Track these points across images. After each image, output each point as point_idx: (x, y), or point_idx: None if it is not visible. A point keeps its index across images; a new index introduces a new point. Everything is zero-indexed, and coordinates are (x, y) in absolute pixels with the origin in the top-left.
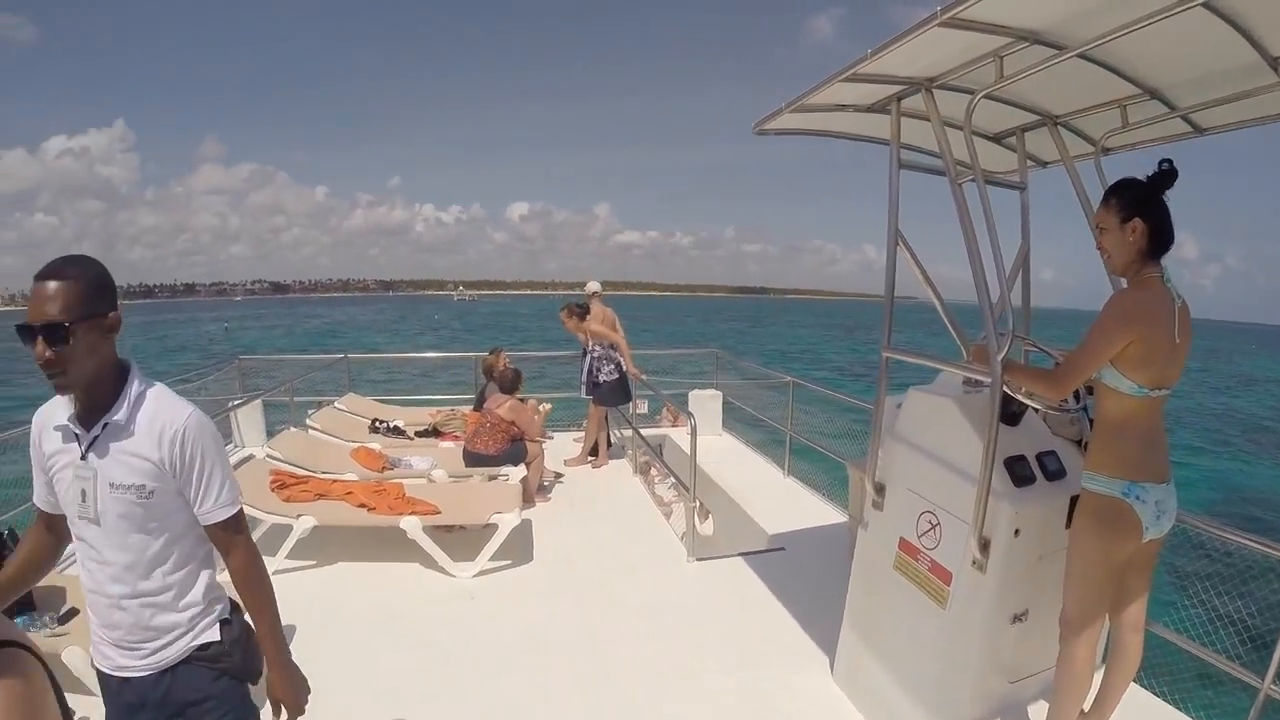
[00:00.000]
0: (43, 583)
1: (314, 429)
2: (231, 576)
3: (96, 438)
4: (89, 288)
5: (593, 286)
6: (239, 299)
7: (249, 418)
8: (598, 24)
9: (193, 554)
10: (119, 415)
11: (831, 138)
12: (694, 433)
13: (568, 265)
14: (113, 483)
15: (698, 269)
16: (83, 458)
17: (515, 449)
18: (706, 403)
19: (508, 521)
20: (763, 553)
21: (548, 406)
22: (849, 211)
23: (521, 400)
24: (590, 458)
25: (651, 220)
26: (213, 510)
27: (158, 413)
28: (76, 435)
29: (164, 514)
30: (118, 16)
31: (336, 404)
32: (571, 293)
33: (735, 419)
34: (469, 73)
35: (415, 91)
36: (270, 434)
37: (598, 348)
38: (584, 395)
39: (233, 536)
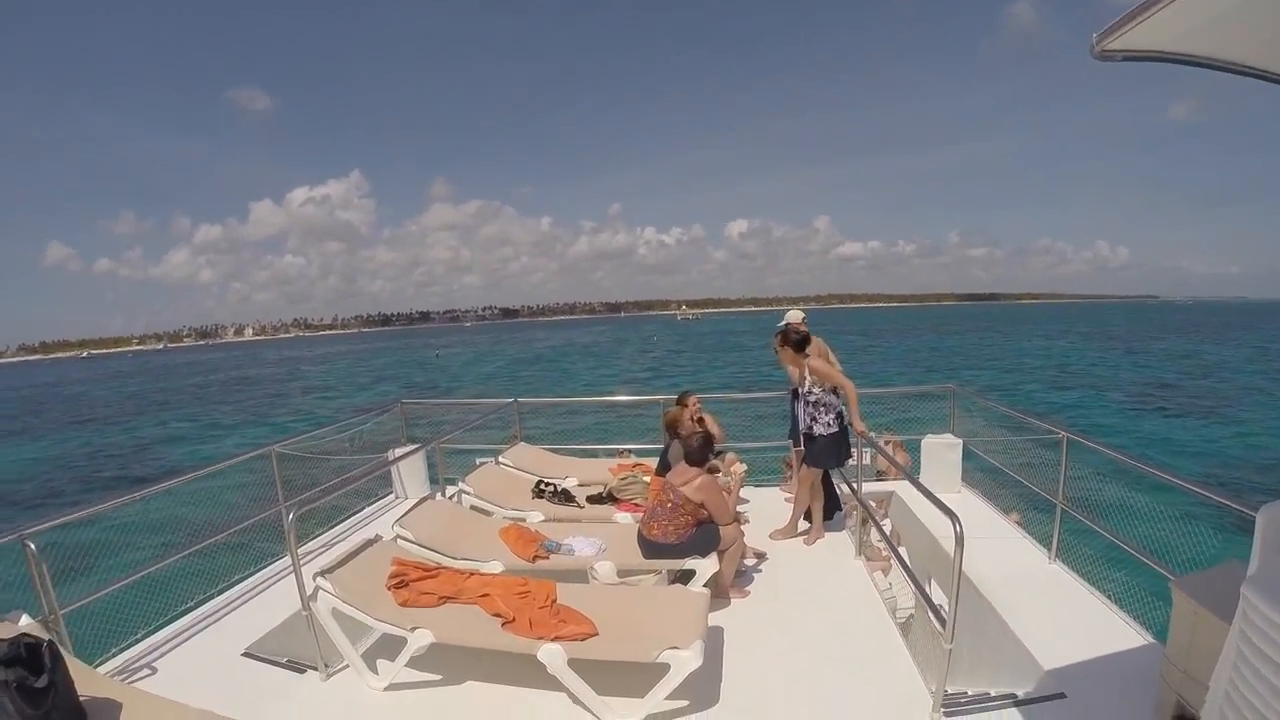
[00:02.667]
0: (98, 690)
1: (467, 493)
2: None
3: None
4: None
5: (794, 316)
6: (469, 325)
7: (411, 470)
8: (804, 39)
9: None
10: None
11: (1206, 67)
12: (960, 543)
13: (789, 280)
14: None
15: (922, 277)
16: None
17: (703, 535)
18: (943, 453)
19: (684, 662)
20: (1036, 702)
21: (742, 468)
22: (1078, 208)
23: (717, 456)
24: (803, 527)
25: (872, 230)
26: None
27: None
28: None
29: None
30: (345, 80)
31: (500, 459)
32: (796, 309)
33: (979, 470)
34: (681, 98)
35: (632, 121)
36: (434, 483)
37: (816, 389)
38: (792, 446)
39: None
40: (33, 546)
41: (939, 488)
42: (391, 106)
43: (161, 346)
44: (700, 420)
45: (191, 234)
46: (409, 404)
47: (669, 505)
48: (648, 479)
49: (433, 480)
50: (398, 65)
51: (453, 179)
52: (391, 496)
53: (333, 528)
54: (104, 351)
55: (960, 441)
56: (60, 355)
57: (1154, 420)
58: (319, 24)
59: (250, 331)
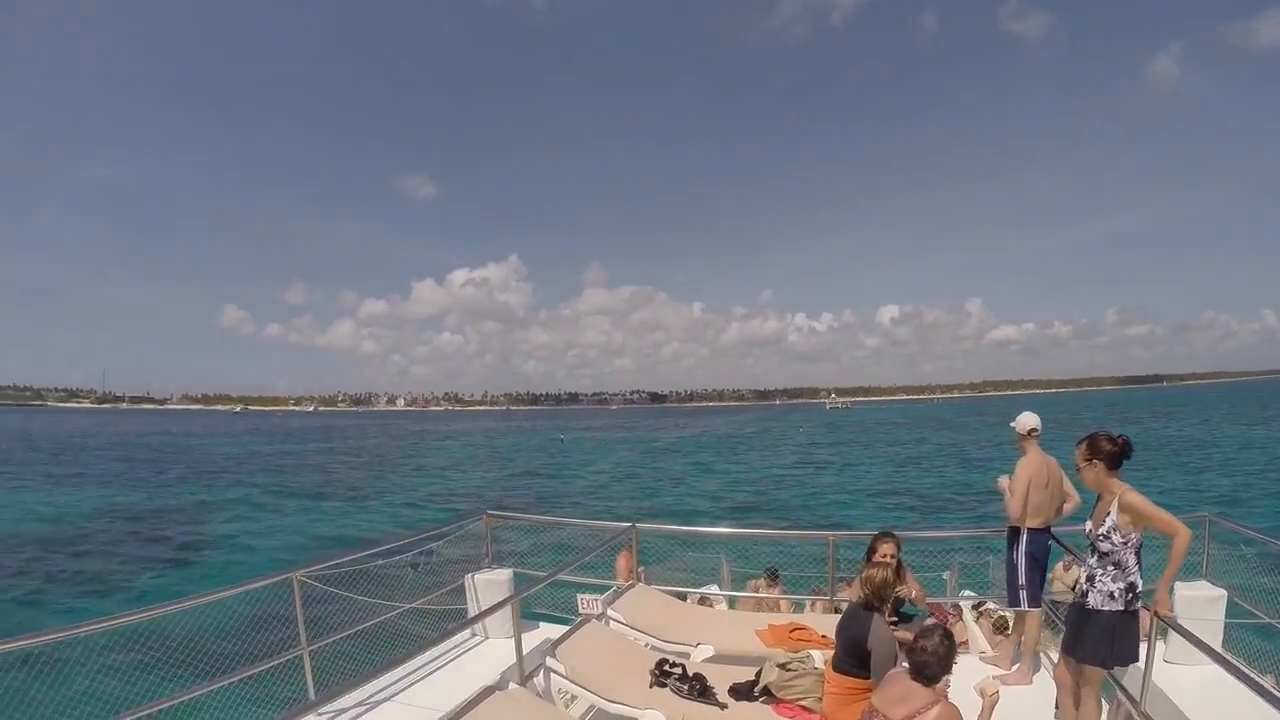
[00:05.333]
0: None
1: (556, 673)
2: None
3: None
4: None
5: (1029, 422)
6: (615, 408)
7: (493, 595)
8: (950, 116)
9: None
10: None
11: None
12: None
13: (942, 367)
14: None
15: (1079, 360)
16: None
17: None
18: (1200, 609)
19: None
20: None
21: (996, 687)
22: (1239, 276)
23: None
24: None
25: (1026, 311)
26: None
27: None
28: None
29: None
30: (507, 169)
31: (611, 613)
32: (950, 396)
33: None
34: (833, 183)
35: (780, 208)
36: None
37: (1115, 537)
38: (1015, 607)
39: None
40: None
41: (1193, 658)
42: (550, 194)
43: (312, 409)
44: (897, 574)
45: (357, 308)
46: (496, 516)
47: None
48: (819, 661)
49: (526, 613)
50: (557, 153)
51: (608, 265)
52: (468, 634)
53: (370, 681)
54: (259, 409)
55: (1224, 593)
56: (218, 407)
57: None
58: (483, 117)
59: (402, 402)
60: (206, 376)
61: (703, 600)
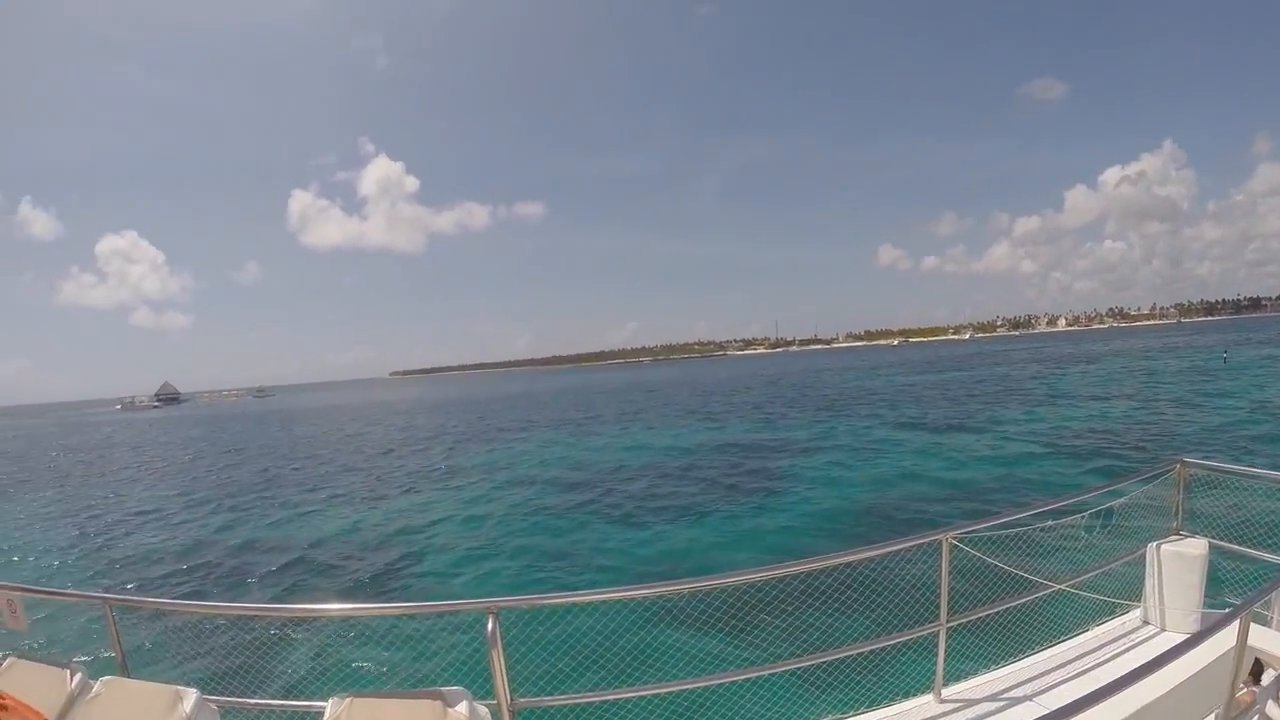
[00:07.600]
0: None
1: None
2: None
3: None
4: None
5: None
6: None
7: (1186, 614)
8: None
9: None
10: None
11: None
12: None
13: None
14: None
15: None
16: None
17: None
18: None
19: None
20: None
21: None
22: None
23: None
24: None
25: None
26: None
27: None
28: None
29: None
30: (1139, 51)
31: None
32: None
33: None
34: None
35: None
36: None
37: None
38: None
39: None
40: None
41: None
42: (1189, 61)
43: (968, 336)
44: None
45: (1010, 228)
46: (1194, 464)
47: None
48: None
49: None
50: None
51: (1277, 133)
52: (1138, 621)
53: (1002, 669)
54: (917, 340)
55: None
56: (880, 342)
57: None
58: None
59: (1063, 322)
60: (868, 314)
61: None
